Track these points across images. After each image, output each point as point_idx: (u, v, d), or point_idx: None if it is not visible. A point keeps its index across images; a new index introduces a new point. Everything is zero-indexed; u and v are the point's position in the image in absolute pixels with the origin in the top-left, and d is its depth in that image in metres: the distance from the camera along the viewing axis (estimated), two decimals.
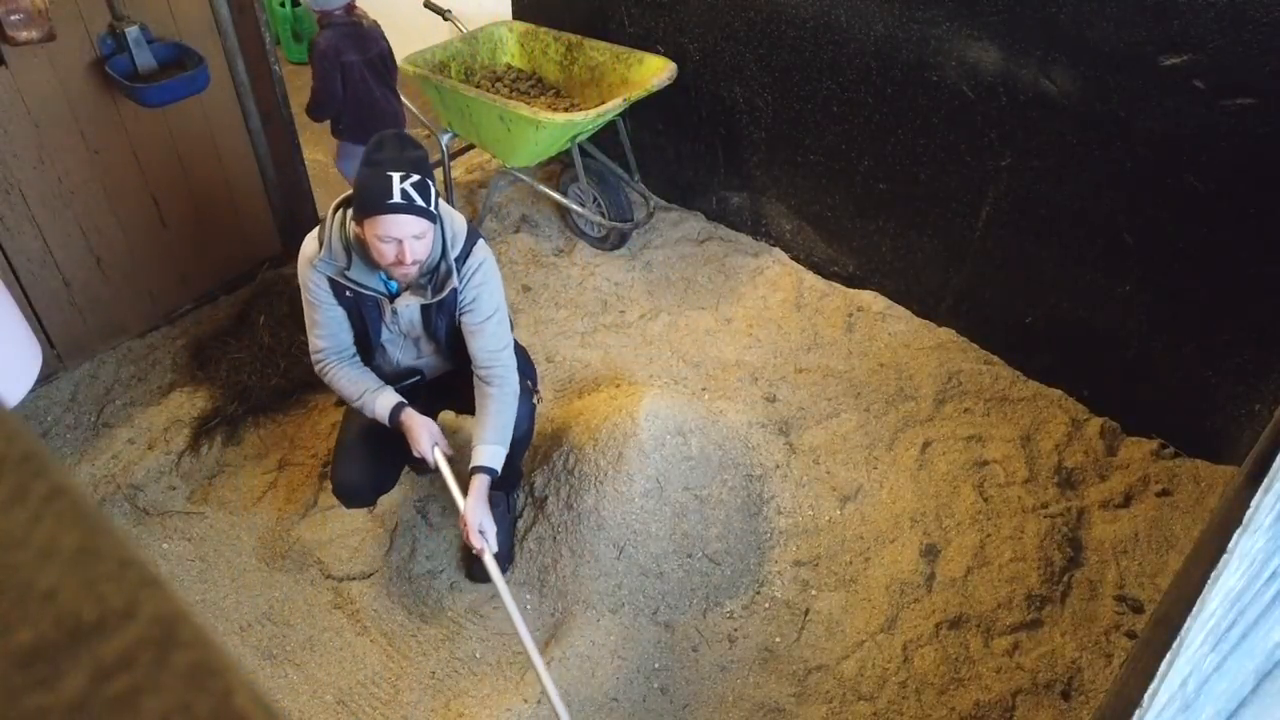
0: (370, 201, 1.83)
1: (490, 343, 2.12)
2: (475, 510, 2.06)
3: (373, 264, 1.98)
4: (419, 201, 1.83)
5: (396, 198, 1.80)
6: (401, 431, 2.12)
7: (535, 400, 2.38)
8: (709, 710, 2.16)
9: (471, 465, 2.10)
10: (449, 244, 2.00)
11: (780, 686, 2.19)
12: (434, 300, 2.04)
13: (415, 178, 1.83)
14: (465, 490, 2.11)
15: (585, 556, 2.35)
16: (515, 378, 2.18)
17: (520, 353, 2.37)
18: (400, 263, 1.88)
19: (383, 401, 2.11)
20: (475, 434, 2.14)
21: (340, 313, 2.07)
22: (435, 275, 2.01)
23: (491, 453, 2.11)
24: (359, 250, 1.98)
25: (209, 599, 2.40)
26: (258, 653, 2.29)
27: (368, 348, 2.16)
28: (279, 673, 2.25)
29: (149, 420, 2.73)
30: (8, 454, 0.24)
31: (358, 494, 2.29)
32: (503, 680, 2.22)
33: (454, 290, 2.05)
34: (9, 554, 0.22)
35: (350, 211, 1.98)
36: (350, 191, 2.02)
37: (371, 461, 2.26)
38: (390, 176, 1.81)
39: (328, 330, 2.08)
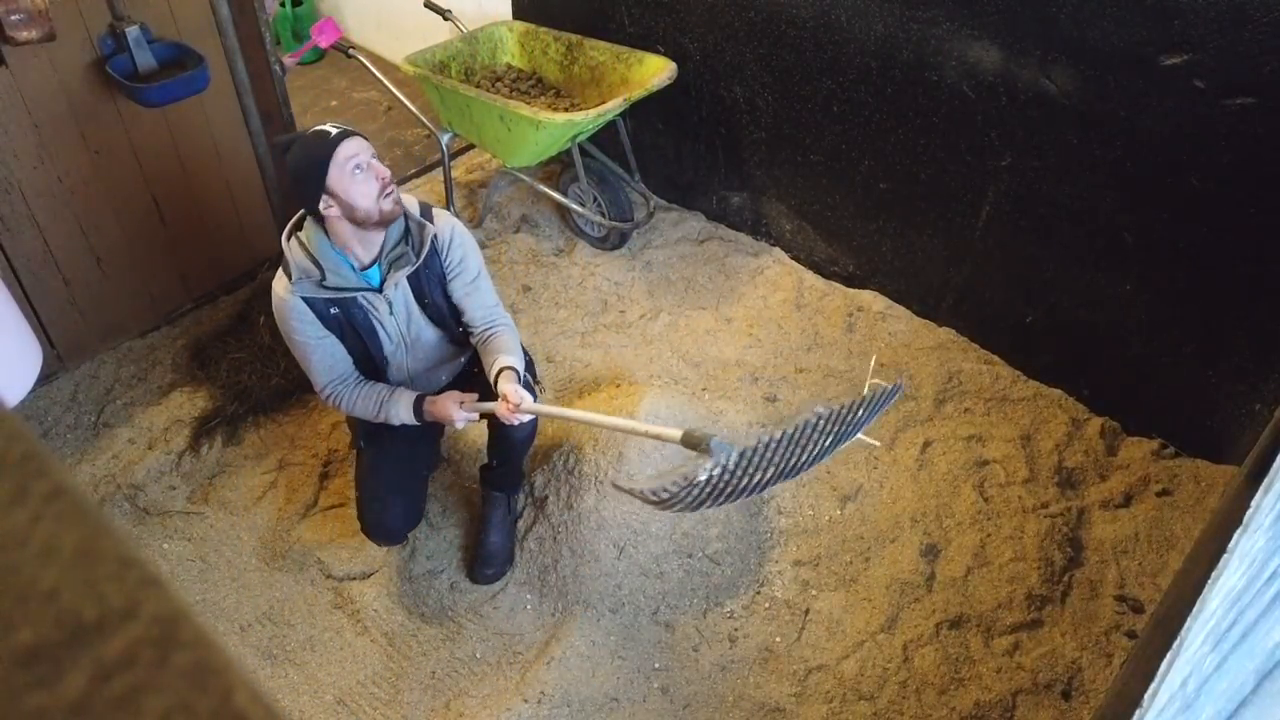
0: (322, 154, 1.87)
1: (486, 298, 2.17)
2: (514, 389, 1.97)
3: (348, 263, 1.98)
4: (346, 127, 1.93)
5: (333, 130, 1.90)
6: (432, 421, 2.11)
7: (538, 390, 2.38)
8: (709, 710, 2.16)
9: (498, 369, 2.04)
10: (403, 205, 2.01)
11: (780, 686, 2.20)
12: (419, 263, 2.04)
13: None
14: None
15: (585, 556, 2.35)
16: (514, 327, 2.21)
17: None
18: (383, 183, 1.91)
19: (403, 404, 2.10)
20: (490, 359, 2.09)
21: (331, 340, 2.06)
22: (409, 236, 2.03)
23: (512, 359, 2.07)
24: (327, 258, 1.97)
25: (209, 599, 2.40)
26: (258, 653, 2.29)
27: (373, 368, 2.15)
28: (279, 673, 2.25)
29: (149, 420, 2.73)
30: (8, 454, 0.24)
31: (394, 536, 2.32)
32: (503, 680, 2.22)
33: (434, 252, 2.06)
34: (9, 554, 0.22)
35: (302, 233, 2.00)
36: (296, 216, 2.04)
37: (402, 500, 2.26)
38: (319, 129, 1.90)
39: (325, 363, 2.08)
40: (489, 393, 2.11)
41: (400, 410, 2.10)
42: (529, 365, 2.32)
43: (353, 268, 2.00)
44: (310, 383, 2.17)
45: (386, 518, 2.24)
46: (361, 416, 2.15)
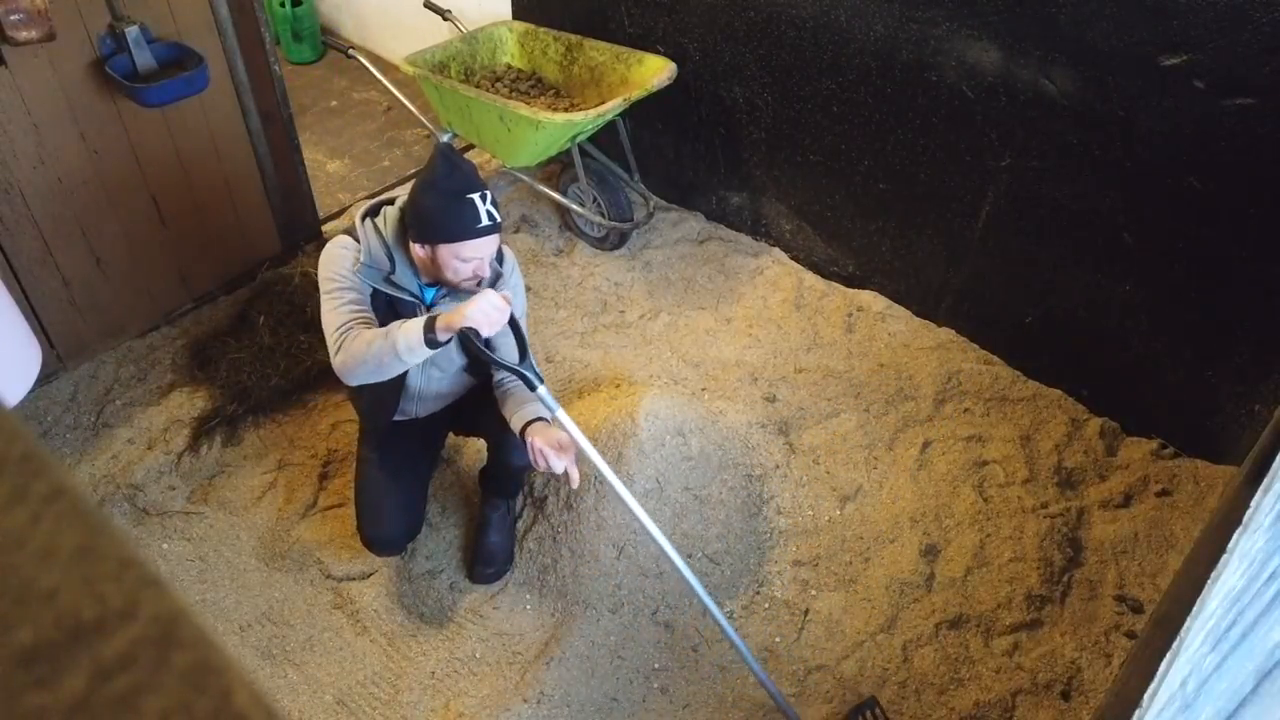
0: (457, 228, 1.85)
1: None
2: (550, 432, 1.93)
3: (413, 271, 2.01)
4: (499, 218, 1.90)
5: (485, 220, 1.86)
6: (450, 338, 1.81)
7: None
8: (709, 710, 2.16)
9: (526, 421, 1.98)
10: None
11: (780, 686, 2.19)
12: None
13: (489, 194, 1.88)
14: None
15: (585, 556, 2.35)
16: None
17: None
18: (477, 276, 1.93)
19: (411, 325, 1.79)
20: (511, 407, 2.06)
21: (365, 295, 2.01)
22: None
23: (537, 408, 2.02)
24: (400, 255, 1.99)
25: (209, 599, 2.40)
26: (257, 653, 2.29)
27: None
28: (279, 673, 2.25)
29: (149, 420, 2.73)
30: (8, 454, 0.24)
31: (393, 546, 2.30)
32: (502, 680, 2.22)
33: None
34: (9, 554, 0.22)
35: (379, 220, 2.01)
36: (374, 201, 2.05)
37: (401, 510, 2.25)
38: (473, 200, 1.85)
39: (360, 308, 1.92)
40: (490, 423, 2.14)
41: (411, 338, 1.78)
42: None
43: (415, 274, 2.02)
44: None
45: (386, 530, 2.23)
46: (368, 356, 1.82)
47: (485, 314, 1.75)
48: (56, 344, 2.80)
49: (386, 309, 2.04)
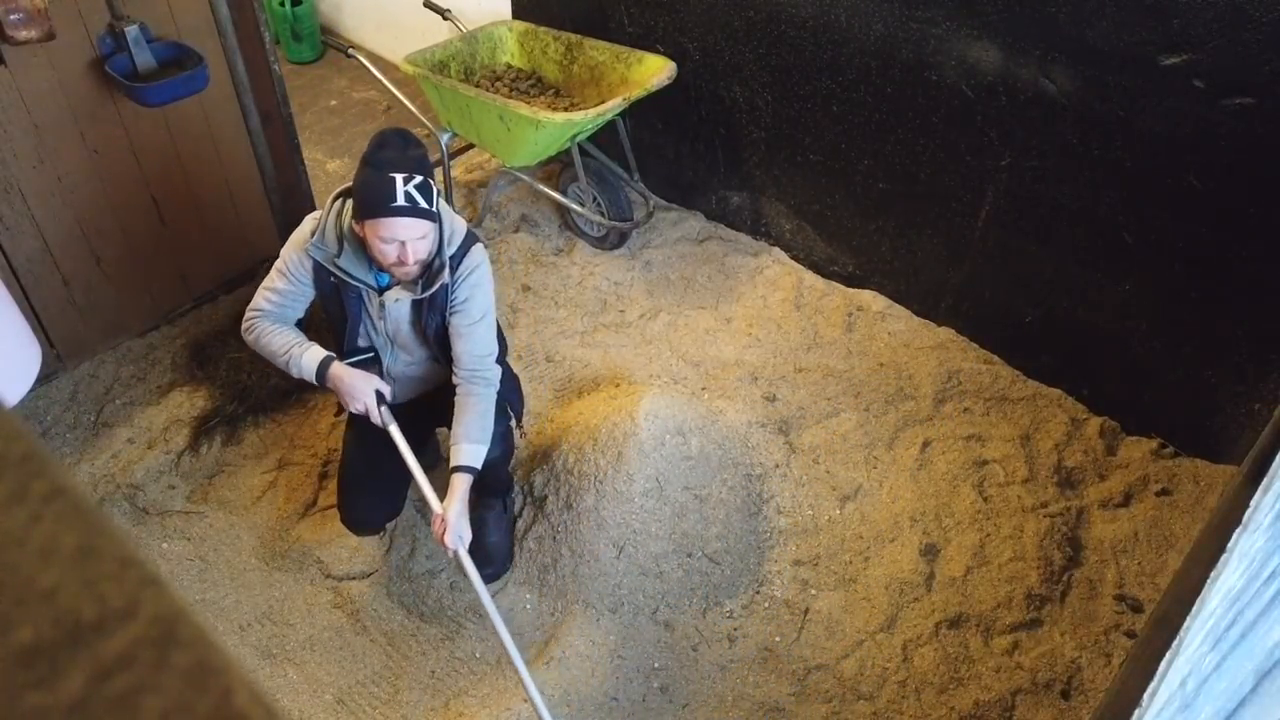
0: (373, 204, 1.84)
1: (476, 347, 2.10)
2: (455, 512, 2.03)
3: (367, 257, 2.00)
4: (422, 204, 1.85)
5: (400, 200, 1.82)
6: (331, 388, 2.09)
7: (519, 435, 2.33)
8: (709, 710, 2.16)
9: (452, 465, 2.06)
10: (445, 241, 2.01)
11: (780, 686, 2.20)
12: (424, 295, 2.04)
13: (418, 179, 1.84)
14: (437, 488, 2.10)
15: (585, 556, 2.35)
16: (497, 385, 2.16)
17: (510, 379, 2.33)
18: (402, 263, 1.90)
19: (310, 356, 2.06)
20: (455, 432, 2.10)
21: (306, 295, 2.09)
22: (428, 270, 2.01)
23: (472, 451, 2.07)
24: (351, 241, 1.99)
25: (209, 599, 2.40)
26: (257, 652, 2.29)
27: (337, 347, 2.15)
28: (279, 672, 2.25)
29: (149, 420, 2.73)
30: (8, 454, 0.24)
31: (368, 526, 2.32)
32: (502, 680, 2.22)
33: (445, 287, 2.04)
34: (9, 553, 0.22)
35: (349, 204, 2.00)
36: (351, 183, 2.04)
37: (379, 491, 2.26)
38: (394, 179, 1.82)
39: (281, 300, 2.08)
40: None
41: (304, 365, 2.06)
42: (516, 391, 2.25)
43: (370, 264, 2.02)
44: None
45: (360, 509, 2.24)
46: (265, 353, 2.10)
47: (352, 390, 2.07)
48: (56, 344, 2.80)
49: (332, 291, 2.06)
